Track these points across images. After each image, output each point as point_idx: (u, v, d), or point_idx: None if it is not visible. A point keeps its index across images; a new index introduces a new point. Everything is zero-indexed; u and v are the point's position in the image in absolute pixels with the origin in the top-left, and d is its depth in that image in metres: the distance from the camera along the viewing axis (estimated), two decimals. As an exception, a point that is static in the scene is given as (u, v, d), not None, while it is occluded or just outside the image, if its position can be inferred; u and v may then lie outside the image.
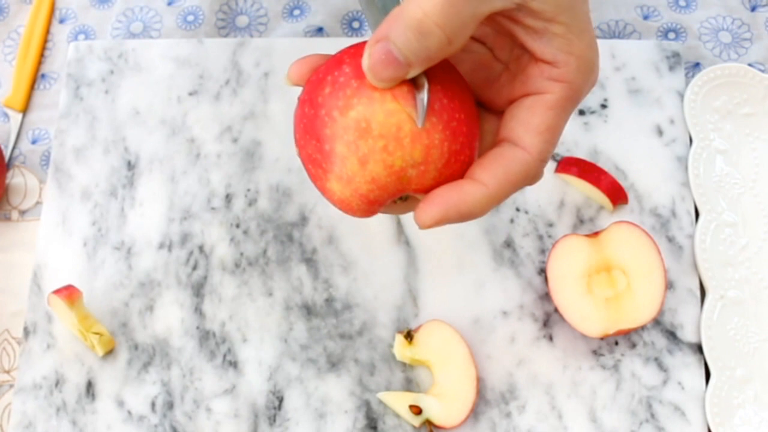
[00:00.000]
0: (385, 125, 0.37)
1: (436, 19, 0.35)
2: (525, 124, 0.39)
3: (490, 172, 0.38)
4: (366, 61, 0.36)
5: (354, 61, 0.38)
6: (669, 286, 0.61)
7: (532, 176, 0.39)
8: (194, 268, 0.64)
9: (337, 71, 0.38)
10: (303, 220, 0.64)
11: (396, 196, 0.39)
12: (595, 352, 0.60)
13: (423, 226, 0.38)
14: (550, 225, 0.64)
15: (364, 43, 0.38)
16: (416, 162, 0.37)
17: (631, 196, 0.64)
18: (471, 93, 0.40)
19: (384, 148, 0.37)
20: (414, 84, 0.37)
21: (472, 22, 0.36)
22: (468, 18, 0.36)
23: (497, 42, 0.41)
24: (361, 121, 0.37)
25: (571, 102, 0.39)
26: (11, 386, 0.62)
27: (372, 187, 0.38)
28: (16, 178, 0.68)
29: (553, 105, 0.38)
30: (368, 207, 0.39)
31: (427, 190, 0.38)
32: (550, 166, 0.65)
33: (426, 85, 0.37)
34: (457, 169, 0.38)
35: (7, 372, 0.62)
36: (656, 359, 0.60)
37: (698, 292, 0.61)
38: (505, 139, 0.39)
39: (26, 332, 0.62)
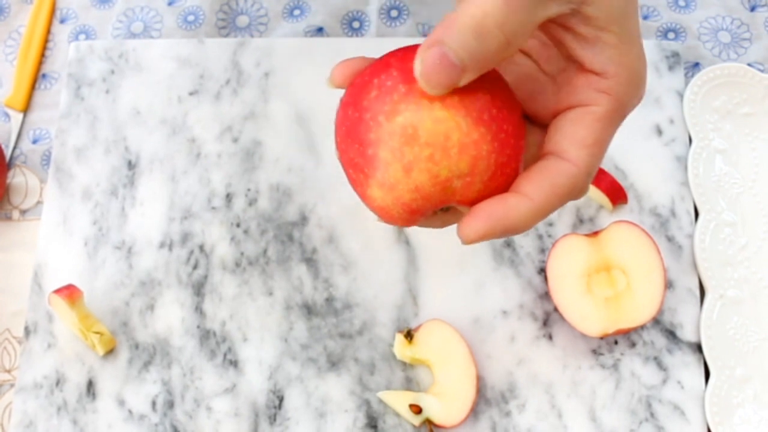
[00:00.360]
0: (432, 133, 0.36)
1: (497, 19, 0.34)
2: (571, 137, 0.38)
3: (535, 185, 0.37)
4: (419, 67, 0.35)
5: (402, 65, 0.37)
6: (668, 285, 0.61)
7: (578, 190, 0.38)
8: (195, 267, 0.64)
9: (384, 74, 0.37)
10: (303, 219, 0.65)
11: (438, 207, 0.38)
12: (594, 352, 0.60)
13: (466, 241, 0.37)
14: (550, 224, 0.64)
15: (412, 47, 0.37)
16: (462, 173, 0.36)
17: (630, 195, 0.64)
18: (519, 105, 0.39)
19: (430, 156, 0.36)
20: None
21: (531, 25, 0.35)
22: (527, 20, 0.35)
23: (543, 54, 0.41)
24: (408, 127, 0.36)
25: (618, 115, 0.38)
26: (12, 385, 0.62)
27: (415, 196, 0.37)
28: (17, 178, 0.68)
29: (600, 117, 0.37)
30: (409, 216, 0.38)
31: (471, 202, 0.37)
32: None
33: None
34: (502, 182, 0.37)
35: (8, 371, 0.63)
36: (656, 358, 0.60)
37: (698, 292, 0.61)
38: (551, 152, 0.38)
39: (27, 332, 0.62)
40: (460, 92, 0.36)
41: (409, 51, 0.37)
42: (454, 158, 0.36)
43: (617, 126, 0.38)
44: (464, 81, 0.35)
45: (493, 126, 0.36)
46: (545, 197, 0.37)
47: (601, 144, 0.38)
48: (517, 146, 0.38)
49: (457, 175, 0.36)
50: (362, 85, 0.38)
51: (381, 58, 0.38)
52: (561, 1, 0.36)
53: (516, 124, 0.38)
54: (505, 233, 0.37)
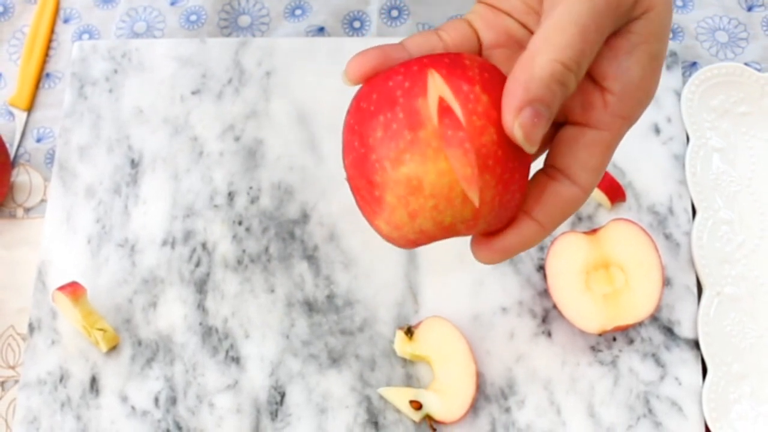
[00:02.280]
0: (436, 186, 0.36)
1: (575, 60, 0.35)
2: (583, 162, 0.38)
3: (546, 212, 0.38)
4: (519, 134, 0.35)
5: (408, 103, 0.36)
6: (666, 282, 0.62)
7: (579, 207, 0.40)
8: (197, 265, 0.64)
9: (391, 113, 0.36)
10: (304, 217, 0.65)
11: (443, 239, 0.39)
12: (593, 348, 0.61)
13: (483, 263, 0.40)
14: (549, 222, 0.64)
15: (418, 71, 0.36)
16: (465, 218, 0.37)
17: (628, 193, 0.64)
18: None
19: (434, 207, 0.36)
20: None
21: (592, 54, 0.36)
22: (598, 41, 0.36)
23: None
24: (412, 178, 0.36)
25: (624, 133, 0.39)
26: (16, 382, 0.63)
27: (420, 236, 0.38)
28: (21, 176, 0.69)
29: (610, 144, 0.38)
30: (414, 246, 0.39)
31: (475, 234, 0.39)
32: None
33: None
34: (506, 215, 0.38)
35: (12, 368, 0.63)
36: (654, 355, 0.60)
37: (695, 289, 0.62)
38: (563, 173, 0.39)
39: (31, 328, 0.63)
40: (467, 138, 0.36)
41: (415, 76, 0.36)
42: (458, 207, 0.36)
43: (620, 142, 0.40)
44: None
45: (497, 169, 0.36)
46: (554, 223, 0.39)
47: (606, 164, 0.39)
48: (523, 177, 0.38)
49: (461, 220, 0.37)
50: (369, 115, 0.37)
51: (387, 76, 0.37)
52: (622, 16, 0.36)
53: (518, 152, 0.37)
54: (515, 255, 0.40)
